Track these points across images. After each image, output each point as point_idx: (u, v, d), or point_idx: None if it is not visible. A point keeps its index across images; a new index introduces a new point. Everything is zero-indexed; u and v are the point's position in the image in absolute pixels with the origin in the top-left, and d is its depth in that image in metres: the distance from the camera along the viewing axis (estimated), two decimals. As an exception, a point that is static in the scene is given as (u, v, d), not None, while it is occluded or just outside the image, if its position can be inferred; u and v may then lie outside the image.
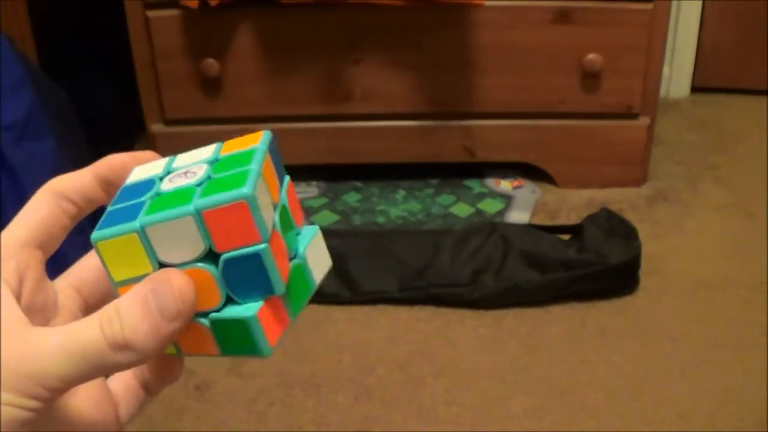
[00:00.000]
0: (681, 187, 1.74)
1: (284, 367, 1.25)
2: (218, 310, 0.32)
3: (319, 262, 0.35)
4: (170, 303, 0.30)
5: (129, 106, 1.76)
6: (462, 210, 1.66)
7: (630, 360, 1.27)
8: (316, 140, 1.70)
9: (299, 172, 1.76)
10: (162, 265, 0.31)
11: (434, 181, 1.75)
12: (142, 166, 0.35)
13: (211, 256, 0.31)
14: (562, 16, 1.60)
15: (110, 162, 0.36)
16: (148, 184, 0.33)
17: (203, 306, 0.31)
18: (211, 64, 1.61)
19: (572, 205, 1.68)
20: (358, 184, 1.75)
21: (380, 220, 1.64)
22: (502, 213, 1.64)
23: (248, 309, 0.31)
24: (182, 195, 0.31)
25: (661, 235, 1.58)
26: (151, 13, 1.59)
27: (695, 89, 2.17)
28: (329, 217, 1.64)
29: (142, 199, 0.32)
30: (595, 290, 1.40)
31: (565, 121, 1.69)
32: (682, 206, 1.68)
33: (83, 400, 0.34)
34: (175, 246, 0.30)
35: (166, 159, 0.35)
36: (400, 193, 1.72)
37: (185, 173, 0.33)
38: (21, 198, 0.97)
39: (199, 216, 0.30)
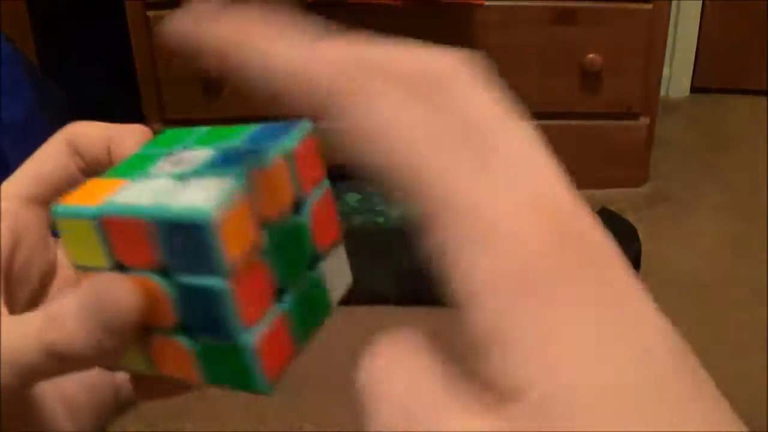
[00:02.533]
0: (681, 187, 1.74)
1: (284, 367, 1.25)
2: (175, 332, 0.26)
3: (338, 277, 0.28)
4: (113, 315, 0.25)
5: (129, 106, 1.76)
6: (462, 210, 1.66)
7: (630, 360, 1.27)
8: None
9: (299, 172, 1.75)
10: (118, 264, 0.26)
11: (434, 181, 1.75)
12: (173, 131, 0.30)
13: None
14: (562, 16, 1.60)
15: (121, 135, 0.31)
16: (147, 159, 0.29)
17: (157, 323, 0.26)
18: (211, 64, 1.61)
19: (572, 205, 1.68)
20: (358, 184, 1.75)
21: (380, 220, 1.64)
22: (502, 213, 1.64)
23: (245, 333, 0.25)
24: (157, 188, 0.26)
25: (661, 235, 1.58)
26: (151, 13, 1.59)
27: (695, 89, 2.17)
28: (329, 217, 1.64)
29: (127, 179, 0.28)
30: (595, 290, 1.40)
31: (565, 121, 1.69)
32: (682, 206, 1.68)
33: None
34: (131, 247, 0.26)
35: (201, 130, 0.30)
36: (400, 193, 1.72)
37: (181, 159, 0.28)
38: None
39: (155, 223, 0.24)
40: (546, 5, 1.59)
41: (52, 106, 1.09)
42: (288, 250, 0.26)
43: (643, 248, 1.43)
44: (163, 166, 0.27)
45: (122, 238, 0.26)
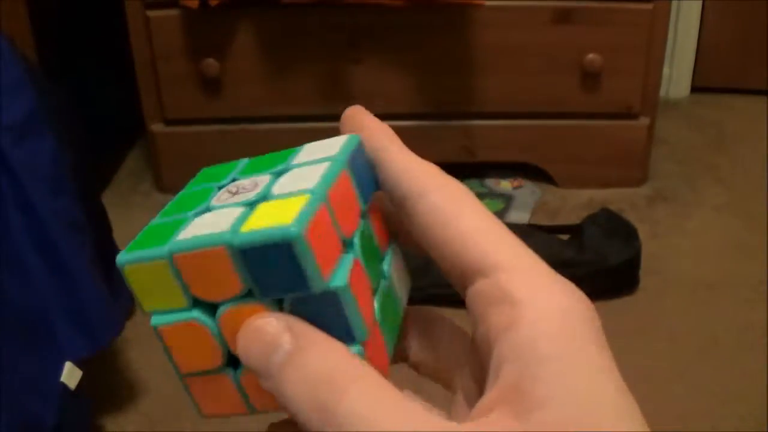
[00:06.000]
0: (681, 187, 1.74)
1: (284, 367, 1.25)
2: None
3: (402, 280, 0.29)
4: None
5: (129, 106, 1.76)
6: (462, 210, 1.66)
7: (630, 360, 1.27)
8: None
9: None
10: (197, 301, 0.25)
11: (434, 181, 1.75)
12: (211, 169, 0.30)
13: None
14: (562, 16, 1.60)
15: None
16: (198, 196, 0.28)
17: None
18: (211, 64, 1.61)
19: (572, 205, 1.68)
20: (358, 184, 1.75)
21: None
22: (502, 213, 1.64)
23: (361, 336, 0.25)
24: (227, 216, 0.25)
25: (661, 235, 1.58)
26: (151, 13, 1.59)
27: (695, 89, 2.17)
28: (329, 217, 1.64)
29: (186, 215, 0.27)
30: (595, 290, 1.40)
31: (565, 121, 1.69)
32: (682, 206, 1.68)
33: None
34: (210, 279, 0.25)
35: (242, 161, 0.30)
36: (400, 193, 1.72)
37: (238, 188, 0.27)
38: (21, 198, 0.97)
39: (238, 250, 0.24)
40: (546, 5, 1.59)
41: (52, 106, 1.09)
42: (369, 255, 0.26)
43: (643, 248, 1.43)
44: (222, 197, 0.27)
45: (199, 272, 0.24)
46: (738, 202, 1.69)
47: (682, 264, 1.50)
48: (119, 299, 1.11)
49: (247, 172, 0.29)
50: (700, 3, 2.08)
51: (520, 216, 1.63)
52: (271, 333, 0.23)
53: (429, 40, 1.62)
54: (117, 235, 1.28)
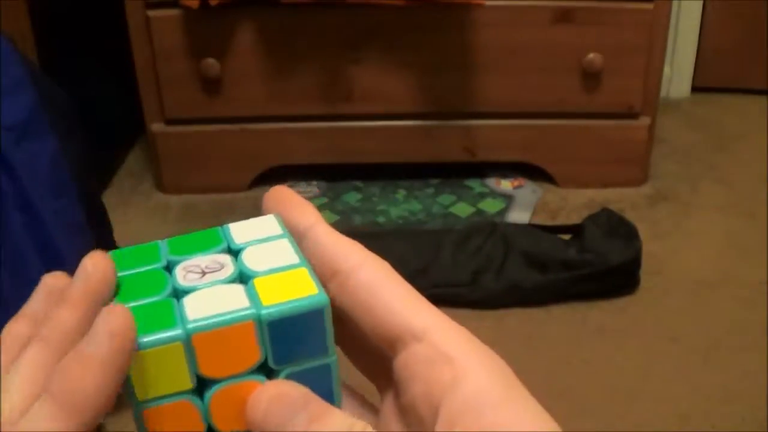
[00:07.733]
0: (681, 187, 1.74)
1: (284, 367, 1.25)
2: None
3: None
4: None
5: (129, 106, 1.76)
6: (462, 210, 1.66)
7: (630, 360, 1.27)
8: (316, 140, 1.70)
9: (299, 172, 1.76)
10: (203, 380, 0.25)
11: (434, 181, 1.75)
12: (124, 251, 0.28)
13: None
14: (562, 16, 1.60)
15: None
16: (152, 278, 0.27)
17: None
18: (211, 64, 1.61)
19: (572, 205, 1.68)
20: (359, 184, 1.75)
21: (381, 220, 1.64)
22: (502, 213, 1.64)
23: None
24: (226, 294, 0.26)
25: (661, 235, 1.58)
26: (151, 13, 1.59)
27: (695, 89, 2.17)
28: (329, 217, 1.64)
29: (163, 297, 0.26)
30: (596, 290, 1.40)
31: (565, 121, 1.69)
32: (682, 206, 1.68)
33: None
34: (228, 354, 0.25)
35: (161, 243, 0.29)
36: (401, 193, 1.72)
37: (205, 266, 0.27)
38: (21, 198, 0.97)
39: (268, 322, 0.25)
40: (546, 5, 1.59)
41: (53, 106, 1.09)
42: None
43: (643, 248, 1.43)
44: (188, 276, 0.27)
45: (217, 349, 0.25)
46: (738, 201, 1.68)
47: (682, 264, 1.50)
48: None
49: (180, 253, 0.28)
50: (701, 3, 2.08)
51: (520, 216, 1.63)
52: (296, 398, 0.26)
53: (429, 40, 1.62)
54: (117, 235, 1.28)
